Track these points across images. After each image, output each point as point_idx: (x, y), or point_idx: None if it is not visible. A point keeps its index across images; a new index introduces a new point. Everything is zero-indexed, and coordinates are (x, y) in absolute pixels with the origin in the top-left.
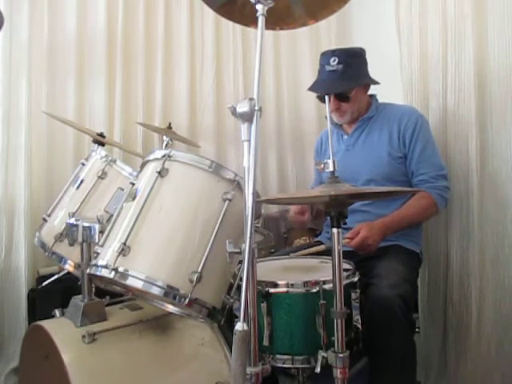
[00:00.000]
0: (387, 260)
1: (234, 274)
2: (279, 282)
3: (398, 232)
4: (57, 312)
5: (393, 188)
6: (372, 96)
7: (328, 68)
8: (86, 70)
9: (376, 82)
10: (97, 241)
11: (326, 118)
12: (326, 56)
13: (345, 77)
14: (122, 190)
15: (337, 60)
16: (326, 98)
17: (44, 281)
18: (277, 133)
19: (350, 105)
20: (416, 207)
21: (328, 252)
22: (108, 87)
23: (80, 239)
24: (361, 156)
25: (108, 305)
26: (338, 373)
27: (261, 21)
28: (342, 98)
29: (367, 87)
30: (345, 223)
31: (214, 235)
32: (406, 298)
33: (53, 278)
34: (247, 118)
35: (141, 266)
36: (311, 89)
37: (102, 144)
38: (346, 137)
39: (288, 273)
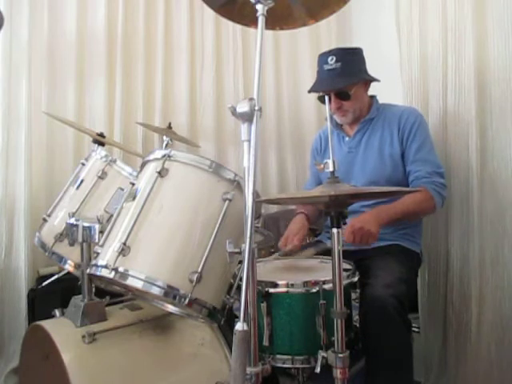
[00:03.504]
0: (385, 260)
1: (233, 274)
2: (279, 282)
3: (398, 232)
4: (57, 312)
5: (392, 188)
6: (373, 97)
7: (326, 67)
8: (85, 70)
9: (376, 80)
10: (97, 241)
11: (326, 119)
12: (323, 56)
13: (344, 73)
14: (122, 189)
15: (334, 58)
16: (326, 98)
17: (44, 281)
18: (277, 133)
19: (352, 103)
20: (410, 198)
21: (328, 252)
22: (108, 87)
23: (80, 239)
24: (363, 158)
25: (108, 305)
26: (337, 373)
27: (261, 21)
28: (342, 96)
29: (367, 86)
30: (345, 223)
31: (213, 235)
32: (401, 297)
33: (53, 278)
34: (247, 118)
35: (141, 265)
36: (312, 89)
37: (102, 144)
38: (347, 139)
39: (288, 273)
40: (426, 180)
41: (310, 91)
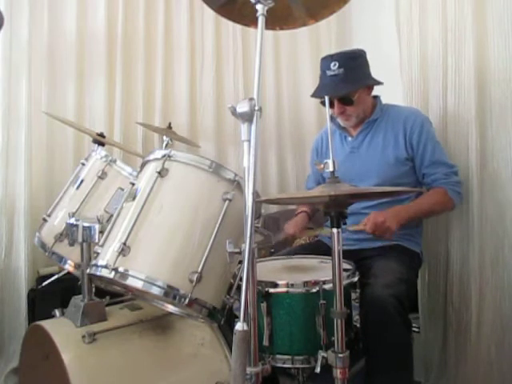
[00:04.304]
0: (385, 260)
1: (234, 274)
2: (279, 282)
3: (398, 232)
4: (57, 312)
5: (393, 188)
6: (376, 97)
7: (329, 73)
8: (85, 70)
9: (379, 83)
10: (97, 241)
11: (331, 119)
12: (325, 61)
13: (347, 80)
14: (122, 189)
15: (337, 64)
16: (326, 99)
17: (44, 281)
18: (277, 133)
19: (355, 108)
20: (429, 198)
21: (328, 252)
22: (108, 87)
23: (80, 239)
24: (366, 158)
25: (108, 305)
26: (337, 373)
27: (261, 21)
28: (345, 101)
29: (371, 88)
30: (344, 223)
31: (213, 235)
32: (401, 297)
33: (53, 278)
34: (247, 117)
35: (141, 265)
36: (314, 95)
37: (102, 144)
38: (350, 139)
39: (288, 273)
40: (444, 181)
41: (312, 96)
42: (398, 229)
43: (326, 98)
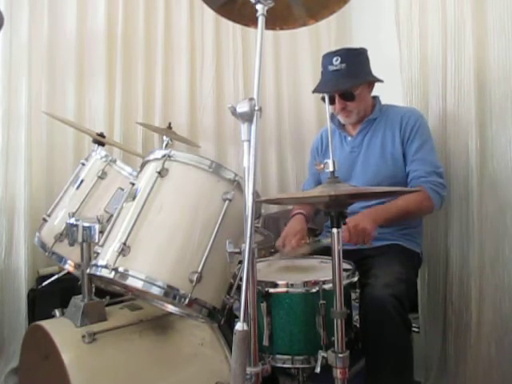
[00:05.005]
0: (385, 260)
1: (234, 274)
2: (279, 282)
3: (398, 232)
4: (57, 312)
5: (392, 188)
6: (375, 97)
7: (331, 68)
8: (85, 69)
9: (380, 80)
10: (97, 241)
11: (331, 118)
12: (328, 57)
13: (349, 74)
14: (122, 189)
15: (339, 59)
16: (326, 98)
17: (44, 281)
18: (277, 133)
19: (356, 104)
20: (408, 198)
21: (328, 252)
22: (108, 87)
23: (80, 239)
24: (365, 158)
25: (108, 305)
26: (337, 373)
27: (261, 21)
28: (347, 97)
29: (371, 86)
30: (344, 223)
31: (213, 235)
32: (401, 297)
33: (53, 278)
34: (247, 117)
35: (141, 265)
36: (316, 90)
37: (102, 144)
38: (349, 138)
39: (288, 273)
40: (424, 179)
41: (314, 92)
42: (375, 229)
43: (326, 98)
